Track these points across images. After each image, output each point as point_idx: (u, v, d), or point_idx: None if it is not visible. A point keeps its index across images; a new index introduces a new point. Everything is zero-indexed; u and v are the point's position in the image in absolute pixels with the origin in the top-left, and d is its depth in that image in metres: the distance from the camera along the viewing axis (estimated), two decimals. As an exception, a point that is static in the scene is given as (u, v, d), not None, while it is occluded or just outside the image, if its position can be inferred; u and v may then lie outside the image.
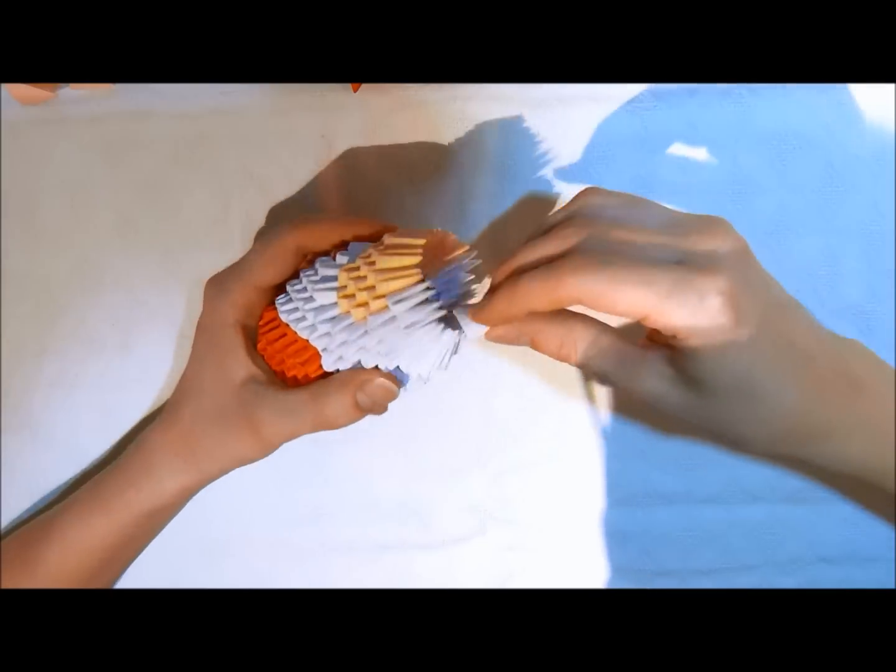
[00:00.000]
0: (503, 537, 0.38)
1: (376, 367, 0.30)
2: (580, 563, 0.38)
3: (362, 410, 0.30)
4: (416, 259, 0.27)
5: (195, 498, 0.34)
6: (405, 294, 0.27)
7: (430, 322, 0.28)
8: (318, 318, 0.30)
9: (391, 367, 0.30)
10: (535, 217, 0.37)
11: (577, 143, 0.37)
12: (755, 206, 0.37)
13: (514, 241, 0.37)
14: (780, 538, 0.38)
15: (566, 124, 0.37)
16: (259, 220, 0.37)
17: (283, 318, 0.31)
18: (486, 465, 0.38)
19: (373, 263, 0.28)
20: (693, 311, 0.24)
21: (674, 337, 0.25)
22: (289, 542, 0.38)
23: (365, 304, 0.28)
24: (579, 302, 0.25)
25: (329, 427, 0.30)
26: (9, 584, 0.32)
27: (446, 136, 0.37)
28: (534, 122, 0.37)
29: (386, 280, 0.27)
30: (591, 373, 0.28)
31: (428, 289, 0.28)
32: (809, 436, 0.27)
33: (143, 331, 0.37)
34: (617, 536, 0.38)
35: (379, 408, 0.30)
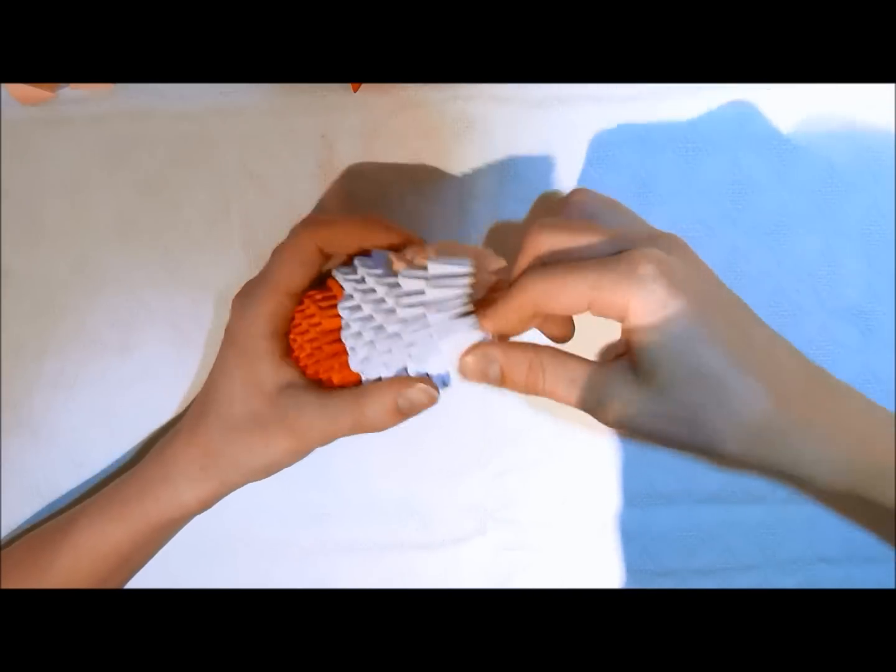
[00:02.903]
0: (503, 537, 0.38)
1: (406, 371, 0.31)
2: (580, 563, 0.38)
3: (401, 414, 0.30)
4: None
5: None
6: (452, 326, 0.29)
7: (462, 328, 0.29)
8: (352, 316, 0.30)
9: (419, 368, 0.30)
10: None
11: (577, 143, 0.37)
12: (755, 206, 0.37)
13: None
14: (780, 538, 0.38)
15: (566, 124, 0.37)
16: (259, 220, 0.37)
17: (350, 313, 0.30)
18: (486, 465, 0.38)
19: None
20: (628, 288, 0.26)
21: (628, 333, 0.27)
22: (289, 542, 0.38)
23: None
24: (536, 306, 0.28)
25: (368, 430, 0.30)
26: (18, 586, 0.32)
27: (446, 136, 0.37)
28: (534, 122, 0.37)
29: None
30: (559, 399, 0.29)
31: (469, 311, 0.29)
32: (785, 435, 0.26)
33: (144, 331, 0.37)
34: (617, 536, 0.38)
35: (416, 412, 0.30)
